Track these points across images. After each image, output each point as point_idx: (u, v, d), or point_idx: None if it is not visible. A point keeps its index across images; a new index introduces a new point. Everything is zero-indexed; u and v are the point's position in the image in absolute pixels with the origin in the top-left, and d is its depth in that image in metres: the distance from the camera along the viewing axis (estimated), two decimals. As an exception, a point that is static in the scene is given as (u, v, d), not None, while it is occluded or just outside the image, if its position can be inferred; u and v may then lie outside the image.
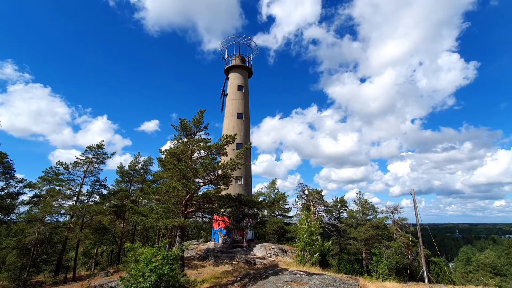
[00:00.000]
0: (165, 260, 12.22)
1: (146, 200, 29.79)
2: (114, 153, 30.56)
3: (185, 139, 17.41)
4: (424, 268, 24.77)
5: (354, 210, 39.33)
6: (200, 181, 16.38)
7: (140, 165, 34.71)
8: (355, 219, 37.93)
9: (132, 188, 34.45)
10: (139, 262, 12.47)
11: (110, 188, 32.05)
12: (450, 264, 67.59)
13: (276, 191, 47.03)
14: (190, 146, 16.22)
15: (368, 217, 37.48)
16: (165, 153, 16.10)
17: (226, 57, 33.94)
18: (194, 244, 27.15)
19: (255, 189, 52.64)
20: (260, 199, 40.51)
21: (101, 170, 29.53)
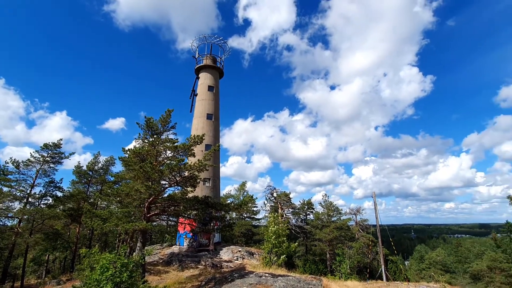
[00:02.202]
0: (124, 267, 11.51)
1: (105, 203, 28.03)
2: (73, 153, 28.27)
3: (151, 139, 16.69)
4: (383, 266, 26.19)
5: (320, 212, 40.51)
6: (165, 182, 15.76)
7: (100, 165, 32.54)
8: (320, 221, 39.05)
9: (90, 190, 32.23)
10: (95, 269, 11.62)
11: (66, 190, 29.74)
12: (406, 262, 72.30)
13: (245, 193, 46.97)
14: (156, 146, 15.55)
15: (332, 219, 38.79)
16: (128, 152, 15.27)
17: (197, 56, 33.32)
18: (158, 249, 26.09)
19: (224, 191, 52.16)
20: (228, 202, 40.15)
21: (56, 170, 27.28)
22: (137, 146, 17.09)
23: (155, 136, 16.14)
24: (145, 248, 15.15)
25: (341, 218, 39.26)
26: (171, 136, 16.86)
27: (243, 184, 48.65)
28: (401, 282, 22.05)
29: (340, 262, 30.63)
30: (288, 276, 16.74)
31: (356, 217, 40.25)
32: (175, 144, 15.63)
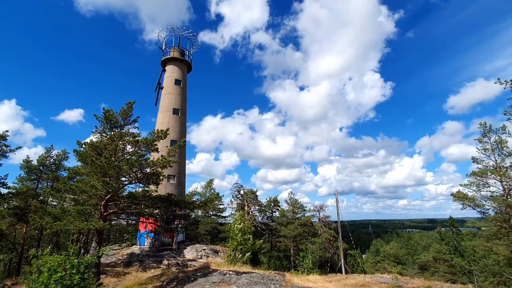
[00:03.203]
0: (75, 269, 10.65)
1: (58, 200, 25.82)
2: (20, 148, 25.44)
3: (111, 132, 15.62)
4: (342, 260, 27.53)
5: (286, 209, 41.36)
6: (125, 179, 14.87)
7: (52, 160, 29.80)
8: (285, 218, 39.88)
9: (40, 186, 29.45)
10: (43, 272, 10.64)
11: (12, 186, 26.89)
12: (363, 256, 76.91)
13: (212, 191, 46.36)
14: (115, 140, 14.57)
15: (297, 216, 39.82)
16: (83, 145, 14.11)
17: (163, 47, 31.93)
18: (116, 249, 24.69)
19: (191, 188, 51.11)
20: (194, 199, 39.32)
21: (0, 165, 24.52)
22: (95, 140, 15.92)
23: (114, 129, 15.13)
24: (101, 248, 14.18)
25: (305, 215, 40.45)
26: (133, 130, 15.98)
27: (210, 182, 47.99)
28: (358, 274, 23.33)
29: (303, 257, 31.57)
30: (252, 273, 16.80)
31: (319, 213, 41.79)
32: (137, 138, 14.79)
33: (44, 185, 30.33)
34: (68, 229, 16.63)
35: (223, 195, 41.34)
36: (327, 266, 35.90)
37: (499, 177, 22.60)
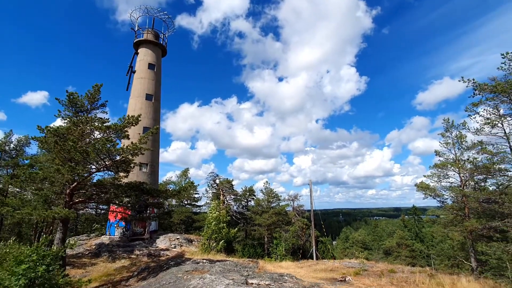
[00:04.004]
0: (40, 261, 10.08)
1: (18, 189, 24.12)
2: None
3: (76, 117, 14.62)
4: (314, 247, 28.58)
5: (261, 198, 41.89)
6: (93, 166, 14.10)
7: (12, 146, 27.58)
8: (260, 207, 40.42)
9: (-1, 174, 27.33)
10: (6, 263, 10.00)
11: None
12: (334, 242, 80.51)
13: (187, 180, 45.71)
14: (81, 125, 13.68)
15: (272, 205, 40.52)
16: (45, 131, 13.10)
17: (136, 29, 30.24)
18: (83, 239, 23.70)
19: (166, 177, 50.00)
20: (168, 188, 38.52)
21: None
22: (62, 125, 14.85)
23: (79, 114, 14.19)
24: (67, 239, 13.49)
25: (280, 204, 41.27)
26: (101, 115, 15.12)
27: (185, 171, 47.21)
28: (328, 260, 24.39)
29: (277, 245, 32.32)
30: (226, 261, 16.91)
31: (293, 203, 42.79)
32: (105, 124, 14.00)
33: (4, 172, 28.15)
34: (30, 218, 15.62)
35: (199, 184, 40.95)
36: (299, 253, 37.10)
37: (457, 169, 24.40)
